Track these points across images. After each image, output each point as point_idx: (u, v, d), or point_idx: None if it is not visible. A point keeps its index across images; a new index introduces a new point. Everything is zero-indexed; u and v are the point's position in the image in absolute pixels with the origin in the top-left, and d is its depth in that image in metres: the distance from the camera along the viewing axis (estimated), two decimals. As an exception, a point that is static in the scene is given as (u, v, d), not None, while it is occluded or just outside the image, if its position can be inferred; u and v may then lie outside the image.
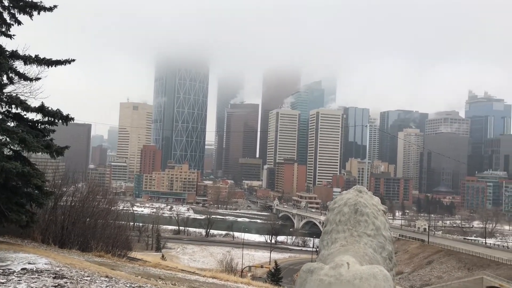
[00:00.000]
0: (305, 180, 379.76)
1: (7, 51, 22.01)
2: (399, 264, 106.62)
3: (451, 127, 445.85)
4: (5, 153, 21.74)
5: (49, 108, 22.85)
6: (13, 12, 22.37)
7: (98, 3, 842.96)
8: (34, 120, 23.34)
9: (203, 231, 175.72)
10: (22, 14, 22.54)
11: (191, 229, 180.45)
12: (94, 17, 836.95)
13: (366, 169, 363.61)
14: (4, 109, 21.99)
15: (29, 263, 14.53)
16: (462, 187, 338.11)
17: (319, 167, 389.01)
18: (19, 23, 22.75)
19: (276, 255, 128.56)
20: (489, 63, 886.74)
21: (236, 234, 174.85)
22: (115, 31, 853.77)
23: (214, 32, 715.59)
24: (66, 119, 23.58)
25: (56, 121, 23.48)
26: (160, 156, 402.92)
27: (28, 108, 22.04)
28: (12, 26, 22.71)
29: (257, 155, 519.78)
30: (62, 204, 34.31)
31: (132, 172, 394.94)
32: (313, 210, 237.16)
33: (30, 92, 22.50)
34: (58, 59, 23.39)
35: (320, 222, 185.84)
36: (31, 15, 22.61)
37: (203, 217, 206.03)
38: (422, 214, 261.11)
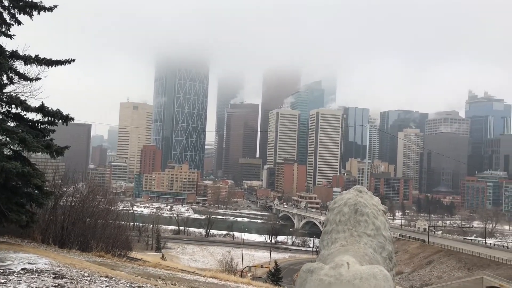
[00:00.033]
0: (305, 180, 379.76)
1: (7, 51, 22.01)
2: (399, 264, 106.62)
3: (451, 127, 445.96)
4: (5, 153, 21.74)
5: (49, 108, 22.86)
6: (13, 12, 22.37)
7: (98, 3, 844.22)
8: (34, 120, 23.34)
9: (203, 231, 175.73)
10: (22, 14, 22.55)
11: (191, 229, 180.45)
12: (94, 17, 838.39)
13: (366, 169, 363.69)
14: (4, 109, 21.99)
15: (29, 263, 14.53)
16: (462, 187, 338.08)
17: (319, 167, 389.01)
18: (19, 23, 22.75)
19: (276, 255, 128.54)
20: (489, 63, 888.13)
21: (236, 234, 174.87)
22: (115, 31, 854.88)
23: (214, 32, 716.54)
24: (66, 119, 23.58)
25: (56, 121, 23.48)
26: (160, 156, 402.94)
27: (28, 108, 22.05)
28: (12, 26, 22.72)
29: (257, 155, 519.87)
30: (62, 204, 34.31)
31: (132, 172, 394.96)
32: (313, 210, 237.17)
33: (30, 92, 22.52)
34: (58, 59, 23.39)
35: (320, 222, 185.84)
36: (31, 15, 22.62)
37: (203, 217, 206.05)
38: (422, 214, 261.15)
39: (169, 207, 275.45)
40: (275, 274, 76.86)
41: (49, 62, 22.98)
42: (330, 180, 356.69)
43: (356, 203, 5.74)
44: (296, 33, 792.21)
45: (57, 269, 14.07)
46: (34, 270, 13.45)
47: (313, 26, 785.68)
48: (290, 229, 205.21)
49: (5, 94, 21.74)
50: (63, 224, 31.75)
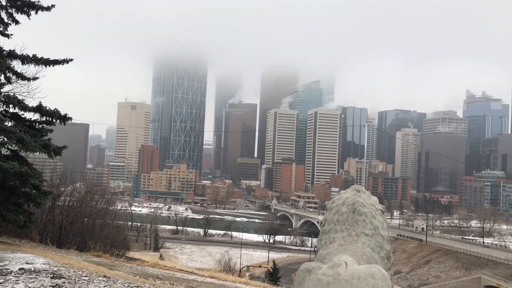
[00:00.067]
0: (303, 180, 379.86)
1: (4, 50, 21.97)
2: (397, 263, 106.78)
3: (449, 127, 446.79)
4: (2, 153, 21.71)
5: (47, 108, 22.82)
6: (11, 11, 22.33)
7: (98, 3, 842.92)
8: (32, 119, 23.30)
9: (201, 231, 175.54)
10: (19, 14, 22.51)
11: (189, 229, 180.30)
12: (94, 17, 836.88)
13: (364, 169, 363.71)
14: (1, 109, 21.94)
15: (27, 263, 14.51)
16: (460, 187, 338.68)
17: (317, 166, 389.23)
18: (17, 22, 22.71)
19: (274, 255, 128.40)
20: (489, 63, 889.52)
21: (234, 233, 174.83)
22: (115, 31, 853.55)
23: (212, 31, 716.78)
24: (64, 118, 23.55)
25: (54, 120, 23.45)
26: (158, 156, 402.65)
27: (25, 108, 22.00)
28: (9, 26, 22.68)
29: (255, 155, 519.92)
30: (60, 204, 34.24)
31: (130, 172, 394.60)
32: (311, 210, 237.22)
33: (28, 92, 22.49)
34: (56, 58, 23.36)
35: (318, 222, 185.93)
36: (28, 15, 22.57)
37: (201, 216, 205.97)
38: (420, 214, 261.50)
39: (167, 206, 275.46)
40: (273, 274, 76.86)
41: (47, 62, 22.94)
42: (328, 180, 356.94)
43: (354, 202, 5.74)
44: (294, 33, 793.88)
45: (55, 269, 14.05)
46: (32, 270, 13.43)
47: (312, 26, 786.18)
48: (288, 229, 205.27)
49: (3, 94, 21.69)
50: (61, 224, 31.70)
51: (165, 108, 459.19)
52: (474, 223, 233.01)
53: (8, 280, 11.78)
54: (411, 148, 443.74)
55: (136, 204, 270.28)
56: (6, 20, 22.43)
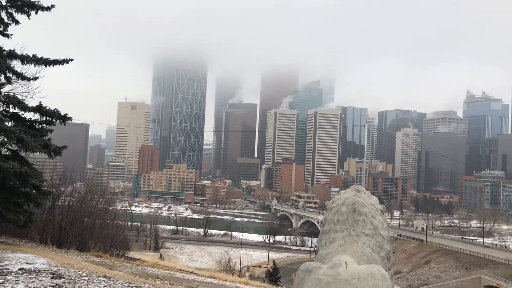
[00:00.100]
0: (303, 180, 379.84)
1: (4, 50, 21.97)
2: (397, 263, 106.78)
3: (449, 127, 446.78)
4: (2, 153, 21.71)
5: (47, 108, 22.83)
6: (11, 11, 22.33)
7: (98, 3, 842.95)
8: (32, 119, 23.30)
9: (201, 231, 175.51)
10: (19, 14, 22.51)
11: (189, 229, 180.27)
12: (94, 17, 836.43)
13: (364, 169, 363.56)
14: (1, 109, 21.95)
15: (27, 263, 14.50)
16: (460, 187, 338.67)
17: (317, 166, 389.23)
18: (17, 22, 22.72)
19: (274, 255, 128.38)
20: (489, 63, 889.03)
21: (234, 233, 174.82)
22: (115, 31, 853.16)
23: (212, 31, 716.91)
24: (64, 118, 23.55)
25: (54, 120, 23.45)
26: (158, 156, 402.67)
27: (25, 108, 22.00)
28: (9, 26, 22.68)
29: (255, 155, 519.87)
30: (60, 204, 34.25)
31: (130, 172, 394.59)
32: (311, 210, 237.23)
33: (27, 92, 22.49)
34: (56, 58, 23.36)
35: (318, 222, 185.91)
36: (28, 15, 22.58)
37: (201, 216, 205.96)
38: (420, 214, 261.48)
39: (167, 206, 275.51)
40: (273, 274, 76.85)
41: (46, 62, 22.94)
42: (328, 180, 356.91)
43: (354, 202, 5.74)
44: (294, 33, 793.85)
45: (55, 269, 14.05)
46: (32, 270, 13.43)
47: (312, 26, 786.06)
48: (288, 229, 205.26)
49: (3, 94, 21.70)
50: (61, 224, 31.71)
51: (165, 108, 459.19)
52: (474, 223, 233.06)
53: (8, 280, 11.79)
54: (411, 148, 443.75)
55: (136, 204, 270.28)
56: (6, 20, 22.44)
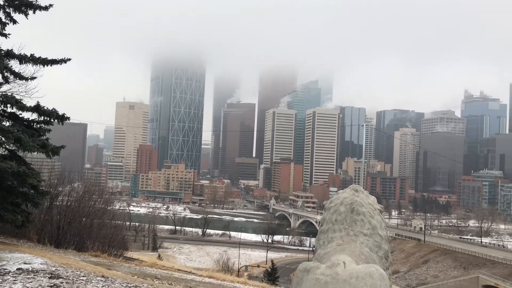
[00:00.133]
0: (302, 180, 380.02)
1: (2, 50, 21.93)
2: (396, 263, 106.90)
3: (447, 127, 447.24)
4: (0, 152, 21.66)
5: (45, 108, 22.80)
6: (8, 11, 22.29)
7: (98, 3, 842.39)
8: (30, 119, 23.27)
9: (199, 230, 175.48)
10: (17, 13, 22.47)
11: (188, 229, 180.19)
12: (93, 17, 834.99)
13: (362, 169, 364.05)
14: (-1, 109, 21.92)
15: (25, 263, 14.48)
16: (458, 187, 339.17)
17: (315, 166, 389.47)
18: (15, 22, 22.67)
19: (272, 255, 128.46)
20: (489, 63, 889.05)
21: (233, 233, 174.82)
22: (115, 31, 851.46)
23: (211, 31, 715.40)
24: (62, 118, 23.52)
25: (52, 120, 23.42)
26: (157, 156, 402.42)
27: (23, 108, 21.96)
28: (7, 25, 22.64)
29: (254, 155, 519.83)
30: (58, 203, 34.21)
31: (128, 171, 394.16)
32: (310, 210, 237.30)
33: (25, 92, 22.45)
34: (54, 58, 23.33)
35: (316, 222, 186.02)
36: (26, 14, 22.54)
37: (199, 216, 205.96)
38: (418, 213, 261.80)
39: (165, 206, 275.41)
40: (271, 274, 76.87)
41: (44, 62, 22.91)
42: (327, 180, 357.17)
43: (352, 202, 5.75)
44: (293, 33, 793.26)
45: (53, 269, 14.02)
46: (30, 270, 13.40)
47: (311, 26, 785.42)
48: (287, 229, 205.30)
49: (1, 93, 21.65)
50: (59, 224, 31.67)
51: (163, 108, 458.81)
52: (472, 223, 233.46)
53: (6, 280, 11.76)
54: (409, 147, 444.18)
55: (134, 204, 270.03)
56: (3, 20, 22.40)
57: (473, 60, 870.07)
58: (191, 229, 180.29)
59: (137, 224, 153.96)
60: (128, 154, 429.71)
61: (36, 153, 23.13)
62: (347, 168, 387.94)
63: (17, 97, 21.86)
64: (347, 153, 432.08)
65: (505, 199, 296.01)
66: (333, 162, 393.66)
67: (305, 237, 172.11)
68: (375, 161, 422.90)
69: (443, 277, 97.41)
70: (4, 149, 22.08)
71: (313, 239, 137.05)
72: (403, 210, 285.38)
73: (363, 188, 6.17)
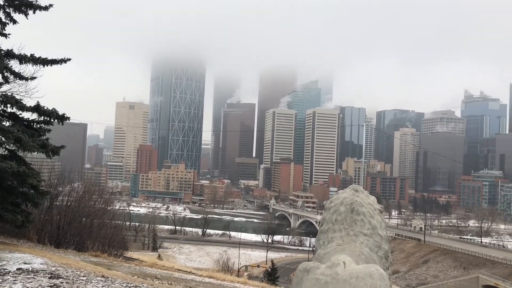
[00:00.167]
0: (302, 180, 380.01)
1: (2, 50, 21.93)
2: (396, 263, 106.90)
3: (447, 127, 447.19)
4: (0, 152, 21.66)
5: (45, 108, 22.80)
6: (8, 11, 22.29)
7: (98, 3, 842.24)
8: (30, 119, 23.27)
9: (199, 230, 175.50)
10: (17, 13, 22.47)
11: (188, 229, 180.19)
12: (93, 16, 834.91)
13: (362, 169, 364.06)
14: (-1, 109, 21.91)
15: (25, 263, 14.47)
16: (458, 187, 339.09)
17: (315, 166, 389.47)
18: (14, 22, 22.67)
19: (272, 255, 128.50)
20: (489, 63, 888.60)
21: (233, 233, 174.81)
22: (115, 31, 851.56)
23: (211, 31, 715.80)
24: (62, 118, 23.52)
25: (52, 120, 23.42)
26: (157, 156, 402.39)
27: (23, 108, 21.96)
28: (7, 25, 22.63)
29: (254, 155, 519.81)
30: (58, 203, 34.21)
31: (128, 171, 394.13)
32: (310, 210, 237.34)
33: (25, 92, 22.46)
34: (54, 58, 23.33)
35: (316, 222, 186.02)
36: (26, 14, 22.54)
37: (199, 216, 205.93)
38: (418, 213, 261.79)
39: (165, 206, 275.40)
40: (271, 274, 76.87)
41: (44, 61, 22.90)
42: (327, 180, 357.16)
43: (352, 202, 5.75)
44: (293, 33, 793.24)
45: (53, 269, 14.02)
46: (30, 270, 13.40)
47: (311, 26, 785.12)
48: (287, 229, 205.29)
49: (1, 93, 21.65)
50: (59, 224, 31.67)
51: (163, 108, 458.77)
52: (472, 223, 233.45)
53: (6, 280, 11.76)
54: (409, 147, 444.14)
55: (134, 204, 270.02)
56: (3, 20, 22.39)
57: (473, 60, 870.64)
58: (191, 229, 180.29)
59: (137, 224, 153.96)
60: (128, 154, 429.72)
61: (36, 153, 23.13)
62: (347, 168, 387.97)
63: (17, 97, 21.87)
64: (347, 153, 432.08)
65: (505, 199, 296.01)
66: (333, 162, 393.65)
67: (305, 237, 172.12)
68: (375, 161, 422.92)
69: (443, 277, 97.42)
70: (4, 149, 22.08)
71: (313, 239, 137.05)
72: (403, 210, 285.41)
73: (363, 188, 6.17)
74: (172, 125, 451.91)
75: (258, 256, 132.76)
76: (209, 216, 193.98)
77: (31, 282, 11.68)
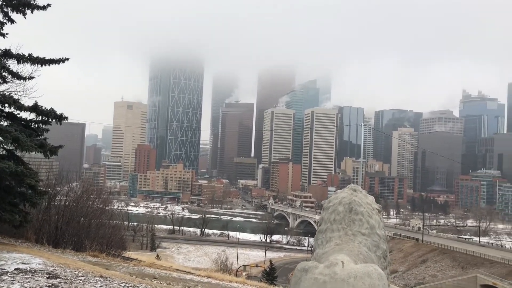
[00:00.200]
0: (300, 179, 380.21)
1: (0, 49, 21.88)
2: (394, 262, 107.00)
3: (445, 126, 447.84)
4: (-2, 152, 21.63)
5: (43, 107, 22.76)
6: (6, 10, 22.24)
7: (97, 3, 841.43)
8: (28, 119, 23.23)
9: (198, 230, 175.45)
10: (15, 13, 22.42)
11: (186, 229, 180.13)
12: (94, 16, 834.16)
13: (360, 168, 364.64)
14: (-3, 108, 21.87)
15: (23, 263, 14.45)
16: (456, 186, 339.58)
17: (314, 166, 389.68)
18: (12, 21, 22.62)
19: (271, 254, 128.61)
20: (488, 63, 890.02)
21: (231, 233, 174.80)
22: (115, 31, 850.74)
23: (209, 31, 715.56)
24: (60, 118, 23.48)
25: (50, 120, 23.38)
26: (155, 156, 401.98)
27: (21, 107, 21.93)
28: (5, 25, 22.59)
29: (252, 155, 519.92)
30: (56, 203, 34.17)
31: (126, 171, 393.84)
32: (308, 209, 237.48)
33: (23, 91, 22.43)
34: (52, 58, 23.29)
35: (315, 221, 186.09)
36: (24, 14, 22.50)
37: (198, 216, 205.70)
38: (416, 213, 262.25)
39: (163, 206, 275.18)
40: (270, 273, 76.87)
41: (42, 61, 22.87)
42: (325, 179, 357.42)
43: (350, 202, 5.75)
44: (292, 33, 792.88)
45: (51, 269, 14.00)
46: (28, 270, 13.38)
47: (310, 26, 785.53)
48: (285, 228, 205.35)
49: (-2, 93, 21.61)
50: (57, 224, 31.62)
51: (162, 108, 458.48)
52: (470, 222, 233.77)
53: (3, 280, 11.73)
54: (408, 147, 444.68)
55: (132, 204, 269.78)
56: (1, 19, 22.35)
57: (472, 60, 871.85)
58: (189, 229, 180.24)
59: (135, 224, 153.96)
60: (126, 154, 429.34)
61: (34, 153, 23.09)
62: (346, 168, 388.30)
63: (15, 96, 21.83)
64: (346, 153, 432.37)
65: (503, 198, 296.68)
66: (332, 161, 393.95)
67: (303, 237, 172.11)
68: (374, 161, 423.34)
69: (441, 276, 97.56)
70: (2, 149, 22.04)
71: (311, 239, 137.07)
72: (402, 210, 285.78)
73: (361, 187, 6.17)
74: (170, 125, 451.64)
75: (256, 256, 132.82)
76: (208, 216, 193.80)
77: (29, 282, 11.66)
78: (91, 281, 12.99)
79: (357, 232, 5.53)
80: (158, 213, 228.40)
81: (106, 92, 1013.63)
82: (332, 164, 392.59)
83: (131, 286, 13.59)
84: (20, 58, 22.32)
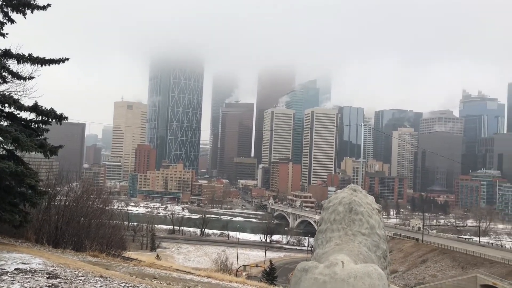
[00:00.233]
0: (300, 179, 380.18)
1: (0, 49, 21.88)
2: (394, 262, 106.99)
3: (445, 126, 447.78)
4: (-2, 152, 21.63)
5: (43, 107, 22.75)
6: (6, 10, 22.24)
7: (98, 3, 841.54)
8: (28, 119, 23.22)
9: (198, 230, 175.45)
10: (15, 13, 22.41)
11: (186, 229, 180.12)
12: (94, 16, 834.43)
13: (360, 168, 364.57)
14: (-3, 108, 21.87)
15: (23, 263, 14.45)
16: (456, 186, 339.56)
17: (314, 166, 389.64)
18: (12, 21, 22.62)
19: (271, 254, 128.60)
20: (488, 63, 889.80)
21: (231, 233, 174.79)
22: (115, 31, 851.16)
23: (209, 31, 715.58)
24: (60, 118, 23.48)
25: (50, 120, 23.38)
26: (155, 156, 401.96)
27: (21, 107, 21.92)
28: (5, 25, 22.58)
29: (252, 155, 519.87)
30: (56, 203, 34.17)
31: (126, 171, 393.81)
32: (308, 209, 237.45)
33: (23, 91, 22.42)
34: (52, 58, 23.28)
35: (315, 221, 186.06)
36: (24, 14, 22.49)
37: (198, 216, 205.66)
38: (416, 213, 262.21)
39: (163, 206, 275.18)
40: (270, 273, 76.87)
41: (42, 61, 22.86)
42: (325, 179, 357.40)
43: (350, 202, 5.75)
44: (292, 33, 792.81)
45: (51, 269, 14.00)
46: (28, 270, 13.38)
47: (310, 26, 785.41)
48: (285, 228, 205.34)
49: (-2, 93, 21.61)
50: (57, 224, 31.62)
51: (162, 108, 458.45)
52: (470, 222, 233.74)
53: (3, 280, 11.73)
54: (408, 147, 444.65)
55: (132, 203, 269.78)
56: (1, 19, 22.34)
57: (472, 60, 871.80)
58: (189, 229, 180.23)
59: (135, 224, 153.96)
60: (126, 154, 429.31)
61: (34, 153, 23.09)
62: (346, 168, 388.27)
63: (15, 96, 21.83)
64: (346, 153, 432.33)
65: (503, 198, 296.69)
66: (332, 161, 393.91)
67: (303, 237, 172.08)
68: (374, 161, 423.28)
69: (441, 276, 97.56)
70: (2, 149, 22.03)
71: (311, 239, 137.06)
72: (402, 210, 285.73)
73: (361, 187, 6.17)
74: (170, 125, 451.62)
75: (256, 256, 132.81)
76: (208, 216, 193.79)
77: (29, 282, 11.66)
78: (91, 281, 12.99)
79: (357, 232, 5.53)
80: (158, 213, 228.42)
81: (106, 92, 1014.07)
82: (332, 164, 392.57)
83: (131, 286, 13.59)
84: (20, 58, 22.32)
